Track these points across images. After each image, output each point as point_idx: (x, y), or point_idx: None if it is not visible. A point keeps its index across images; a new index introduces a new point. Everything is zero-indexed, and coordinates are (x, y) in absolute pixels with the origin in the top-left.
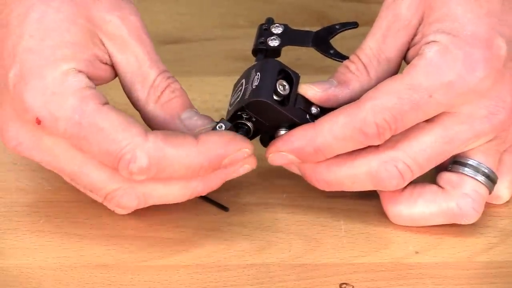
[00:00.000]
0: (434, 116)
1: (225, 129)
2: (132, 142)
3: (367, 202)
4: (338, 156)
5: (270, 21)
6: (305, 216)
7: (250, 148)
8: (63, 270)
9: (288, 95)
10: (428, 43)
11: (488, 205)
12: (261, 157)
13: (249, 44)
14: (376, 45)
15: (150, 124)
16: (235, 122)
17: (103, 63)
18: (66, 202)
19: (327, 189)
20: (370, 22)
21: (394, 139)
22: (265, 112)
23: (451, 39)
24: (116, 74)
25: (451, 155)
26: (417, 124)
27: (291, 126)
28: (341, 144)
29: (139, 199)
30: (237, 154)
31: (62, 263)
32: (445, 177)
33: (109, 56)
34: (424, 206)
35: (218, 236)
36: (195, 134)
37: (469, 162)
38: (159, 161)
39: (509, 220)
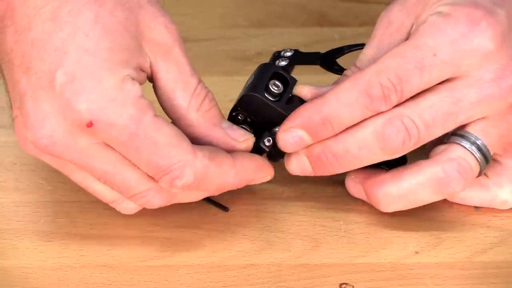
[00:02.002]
0: (441, 82)
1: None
2: (182, 160)
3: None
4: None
5: (282, 50)
6: (305, 216)
7: (272, 174)
8: (63, 270)
9: (281, 95)
10: (431, 15)
11: (492, 208)
12: None
13: (249, 44)
14: (372, 52)
15: (192, 131)
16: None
17: (143, 71)
18: (66, 202)
19: (336, 168)
20: (370, 22)
21: (401, 104)
22: (257, 109)
23: (452, 7)
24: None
25: (458, 120)
26: (423, 90)
27: None
28: (348, 111)
29: (165, 200)
30: (262, 179)
31: (62, 263)
32: (435, 148)
33: (151, 64)
34: (410, 177)
35: (218, 236)
36: (232, 154)
37: (463, 133)
38: (202, 179)
39: (509, 220)
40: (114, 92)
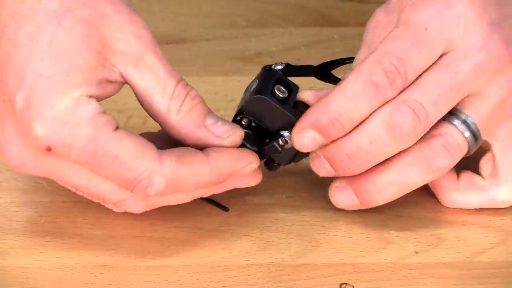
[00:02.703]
0: (435, 61)
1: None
2: (148, 169)
3: (367, 205)
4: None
5: (273, 64)
6: (305, 216)
7: (257, 162)
8: (63, 270)
9: (286, 100)
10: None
11: (492, 208)
12: None
13: (249, 44)
14: (364, 56)
15: (175, 134)
16: None
17: (112, 82)
18: (66, 202)
19: (353, 168)
20: None
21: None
22: (264, 113)
23: None
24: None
25: (460, 93)
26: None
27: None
28: (355, 105)
29: (148, 205)
30: (245, 169)
31: (62, 263)
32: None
33: (121, 74)
34: (398, 160)
35: (218, 236)
36: (205, 150)
37: (452, 111)
38: (175, 183)
39: (509, 220)
40: (67, 115)
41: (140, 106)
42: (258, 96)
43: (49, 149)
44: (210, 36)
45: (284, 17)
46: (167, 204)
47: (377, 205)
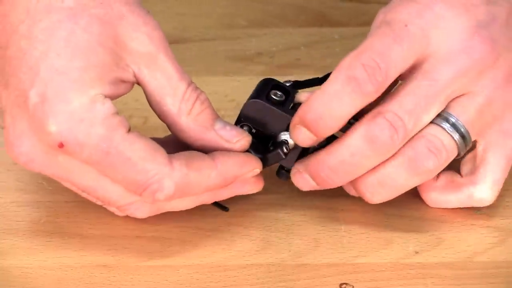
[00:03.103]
0: (415, 66)
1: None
2: (159, 173)
3: (367, 202)
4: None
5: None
6: (305, 216)
7: (260, 168)
8: (63, 270)
9: (283, 103)
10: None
11: (488, 205)
12: None
13: (249, 44)
14: None
15: (184, 136)
16: None
17: (125, 82)
18: (66, 202)
19: (336, 181)
20: (370, 22)
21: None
22: (262, 117)
23: None
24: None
25: (440, 100)
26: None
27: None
28: (337, 102)
29: (152, 211)
30: (248, 174)
31: (62, 263)
32: None
33: (134, 74)
34: (385, 164)
35: (218, 236)
36: (211, 154)
37: (440, 113)
38: (184, 187)
39: (509, 220)
40: (82, 112)
41: (140, 107)
42: (253, 100)
43: (61, 145)
44: (211, 36)
45: (284, 17)
46: (170, 210)
47: (373, 203)
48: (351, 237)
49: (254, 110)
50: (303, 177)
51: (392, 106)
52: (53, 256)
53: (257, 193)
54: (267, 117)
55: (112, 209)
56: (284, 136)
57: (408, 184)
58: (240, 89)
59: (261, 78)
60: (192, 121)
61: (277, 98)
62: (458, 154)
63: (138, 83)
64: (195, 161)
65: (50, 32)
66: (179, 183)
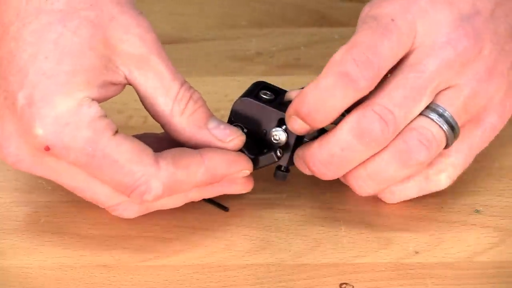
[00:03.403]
0: (401, 59)
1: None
2: (145, 174)
3: (367, 202)
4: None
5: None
6: (305, 216)
7: (250, 169)
8: (63, 270)
9: (272, 101)
10: None
11: (487, 205)
12: None
13: (249, 44)
14: None
15: (178, 136)
16: None
17: (115, 84)
18: (66, 202)
19: (328, 174)
20: None
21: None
22: (251, 115)
23: None
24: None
25: (427, 92)
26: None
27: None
28: (329, 96)
29: (141, 211)
30: (237, 174)
31: (62, 263)
32: None
33: (125, 76)
34: (377, 157)
35: (218, 236)
36: (200, 150)
37: (428, 105)
38: (172, 186)
39: (509, 220)
40: (68, 116)
41: (140, 106)
42: (243, 98)
43: (47, 148)
44: (210, 36)
45: (284, 17)
46: (159, 209)
47: (364, 195)
48: (351, 237)
49: (244, 108)
50: (301, 163)
51: (381, 99)
52: (52, 256)
53: (257, 193)
54: (257, 115)
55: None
56: (276, 132)
57: (397, 176)
58: (240, 89)
59: (261, 78)
60: (185, 120)
61: (267, 97)
62: (446, 145)
63: (130, 85)
64: (182, 159)
65: (39, 35)
66: (167, 182)
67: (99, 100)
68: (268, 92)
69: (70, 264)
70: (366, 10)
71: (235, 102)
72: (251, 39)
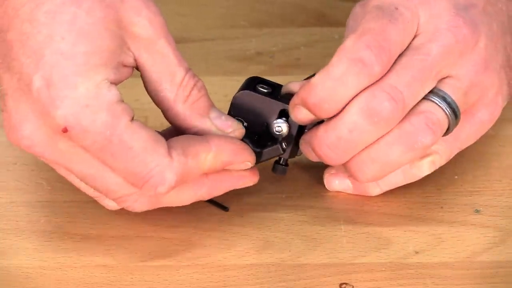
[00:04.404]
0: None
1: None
2: (160, 165)
3: (367, 202)
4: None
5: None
6: (305, 216)
7: (253, 161)
8: (63, 270)
9: (270, 94)
10: None
11: (487, 205)
12: None
13: (249, 45)
14: None
15: (179, 123)
16: None
17: (126, 66)
18: (66, 202)
19: (335, 158)
20: None
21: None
22: (251, 108)
23: None
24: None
25: (432, 75)
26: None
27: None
28: (342, 85)
29: (151, 203)
30: (240, 165)
31: (62, 263)
32: None
33: (135, 58)
34: (381, 141)
35: (218, 236)
36: (206, 137)
37: (432, 89)
38: (184, 176)
39: (509, 220)
40: (88, 98)
41: (140, 106)
42: (242, 91)
43: (65, 130)
44: (211, 36)
45: (284, 17)
46: (169, 204)
47: (365, 182)
48: (351, 237)
49: (244, 101)
50: (308, 149)
51: (390, 80)
52: (53, 256)
53: (257, 193)
54: (258, 107)
55: (106, 202)
56: (278, 124)
57: (400, 160)
58: None
59: None
60: (188, 108)
61: (265, 90)
62: (447, 131)
63: (137, 68)
64: (191, 147)
65: (53, 15)
66: (180, 173)
67: (115, 83)
68: (265, 86)
69: (70, 264)
70: (369, 2)
71: (234, 96)
72: (251, 39)
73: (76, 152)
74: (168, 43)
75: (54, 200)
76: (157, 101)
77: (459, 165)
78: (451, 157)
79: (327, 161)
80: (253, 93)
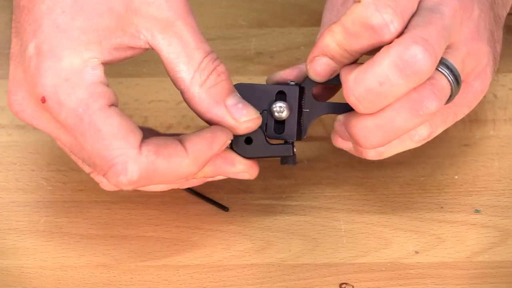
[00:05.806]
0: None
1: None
2: (125, 154)
3: (367, 202)
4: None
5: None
6: (305, 216)
7: (230, 137)
8: (63, 270)
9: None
10: None
11: (487, 205)
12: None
13: (249, 44)
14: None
15: (194, 107)
16: None
17: (133, 48)
18: (66, 202)
19: (361, 109)
20: None
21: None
22: (250, 98)
23: None
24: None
25: (449, 32)
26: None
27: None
28: (353, 36)
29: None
30: (223, 146)
31: (62, 263)
32: None
33: (147, 41)
34: (389, 107)
35: (218, 236)
36: (181, 140)
37: None
38: (150, 175)
39: (509, 220)
40: (70, 72)
41: (140, 106)
42: (240, 84)
43: (43, 100)
44: (211, 36)
45: (284, 17)
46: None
47: (369, 148)
48: (351, 237)
49: (241, 93)
50: (343, 130)
51: (421, 33)
52: (53, 256)
53: (257, 193)
54: (254, 97)
55: (98, 178)
56: (277, 105)
57: (405, 127)
58: None
59: (261, 78)
60: (204, 92)
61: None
62: (449, 99)
63: (153, 49)
64: (165, 148)
65: None
66: (145, 169)
67: (112, 62)
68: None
69: (70, 264)
70: None
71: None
72: (251, 39)
73: (56, 125)
74: (186, 24)
75: (54, 200)
76: (174, 81)
77: (459, 165)
78: (445, 127)
79: (358, 107)
80: (247, 83)
